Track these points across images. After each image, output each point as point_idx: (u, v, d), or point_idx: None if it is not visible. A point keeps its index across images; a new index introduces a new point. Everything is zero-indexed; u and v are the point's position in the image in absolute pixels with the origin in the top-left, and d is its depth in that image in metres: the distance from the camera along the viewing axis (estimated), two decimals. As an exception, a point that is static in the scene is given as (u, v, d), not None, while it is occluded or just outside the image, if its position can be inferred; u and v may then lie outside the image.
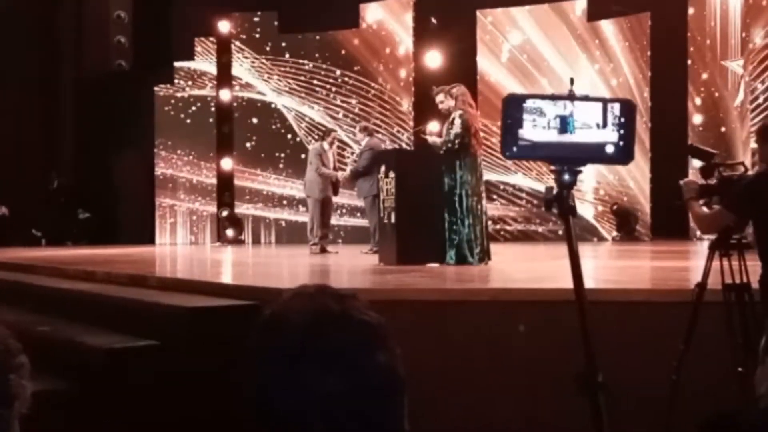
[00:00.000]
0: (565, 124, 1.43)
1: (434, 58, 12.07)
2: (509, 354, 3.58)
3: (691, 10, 11.12)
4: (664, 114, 11.26)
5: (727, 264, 3.03)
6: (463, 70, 11.46)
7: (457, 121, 5.95)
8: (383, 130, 12.04)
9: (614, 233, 11.56)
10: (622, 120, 1.45)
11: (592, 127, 1.45)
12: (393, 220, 6.12)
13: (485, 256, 6.04)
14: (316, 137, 11.44)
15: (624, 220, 11.47)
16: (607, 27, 11.81)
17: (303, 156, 11.45)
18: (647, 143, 11.46)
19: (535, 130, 1.42)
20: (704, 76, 11.09)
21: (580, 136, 1.44)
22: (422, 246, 6.00)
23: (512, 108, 1.43)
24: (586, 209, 11.54)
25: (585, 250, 9.53)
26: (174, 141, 13.71)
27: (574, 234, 1.49)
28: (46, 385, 3.17)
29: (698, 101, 11.12)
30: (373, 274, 5.61)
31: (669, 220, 10.79)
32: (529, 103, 1.43)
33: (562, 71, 12.06)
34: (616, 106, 1.46)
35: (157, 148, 13.68)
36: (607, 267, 6.26)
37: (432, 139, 6.38)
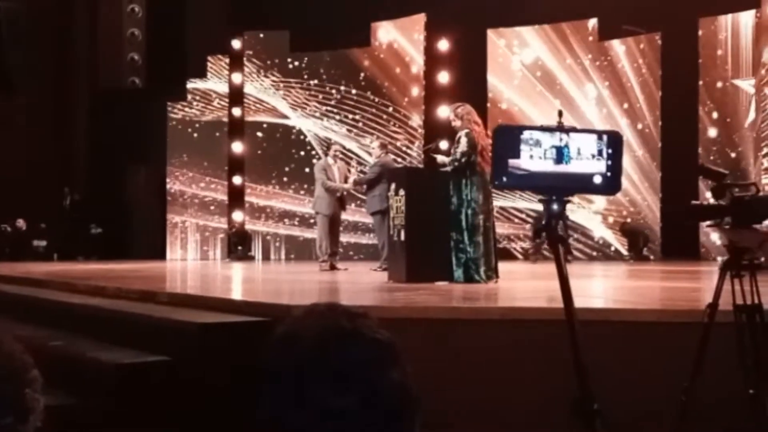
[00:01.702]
0: (560, 155, 1.48)
1: (445, 77, 12.15)
2: (518, 373, 3.57)
3: (701, 30, 11.15)
4: (675, 134, 11.25)
5: (738, 285, 3.01)
6: (474, 88, 11.52)
7: (463, 140, 5.98)
8: (393, 148, 12.10)
9: (626, 253, 11.52)
10: (610, 151, 1.50)
11: (586, 157, 1.49)
12: (402, 237, 6.13)
13: (493, 274, 6.03)
14: (326, 153, 11.52)
15: (633, 240, 11.42)
16: (619, 47, 11.84)
17: (307, 171, 11.51)
18: (658, 163, 11.44)
19: (532, 160, 1.46)
20: (715, 95, 11.09)
21: (574, 166, 1.49)
22: (431, 264, 6.00)
23: (502, 138, 1.47)
24: (600, 228, 11.51)
25: (596, 270, 9.48)
26: (186, 157, 13.81)
27: (563, 262, 1.53)
28: (57, 400, 3.18)
29: (709, 120, 11.10)
30: (382, 292, 5.61)
31: (680, 241, 10.74)
32: (527, 135, 1.47)
33: (573, 90, 12.10)
34: (605, 138, 1.51)
35: (169, 164, 13.78)
36: (617, 287, 6.24)
37: (441, 159, 6.40)
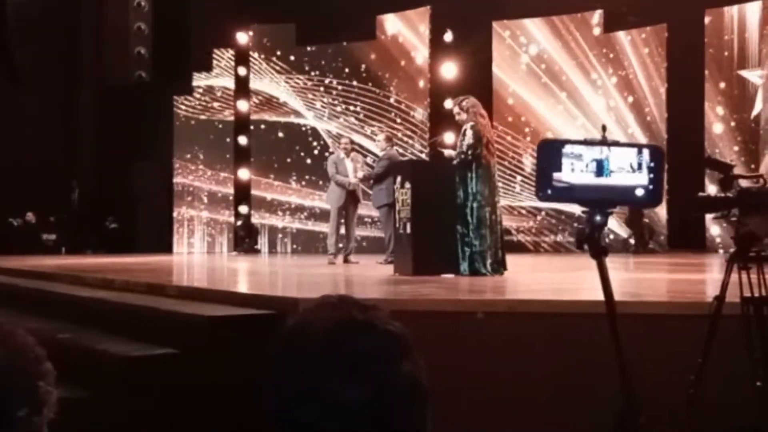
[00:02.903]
0: (601, 168, 1.52)
1: (450, 69, 12.11)
2: (525, 366, 3.58)
3: (707, 20, 11.08)
4: (681, 125, 11.20)
5: (745, 277, 3.00)
6: (480, 80, 11.48)
7: (469, 132, 5.97)
8: (398, 141, 12.08)
9: (631, 241, 11.50)
10: (652, 165, 1.54)
11: (626, 170, 1.53)
12: (408, 230, 6.14)
13: (500, 267, 6.02)
14: (337, 147, 11.54)
15: (637, 232, 11.40)
16: (624, 38, 11.78)
17: (315, 165, 11.51)
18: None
19: (573, 173, 1.51)
20: (721, 86, 11.02)
21: (614, 179, 1.53)
22: (438, 257, 6.01)
23: (546, 153, 1.51)
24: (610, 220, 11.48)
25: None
26: (192, 151, 13.84)
27: (608, 275, 1.57)
28: (65, 392, 3.20)
29: (716, 111, 11.05)
30: (389, 285, 5.62)
31: (686, 232, 10.71)
32: (568, 149, 1.51)
33: (579, 82, 12.05)
34: (646, 152, 1.55)
35: (176, 158, 13.81)
36: (624, 279, 6.22)
37: (448, 152, 6.39)
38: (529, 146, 12.16)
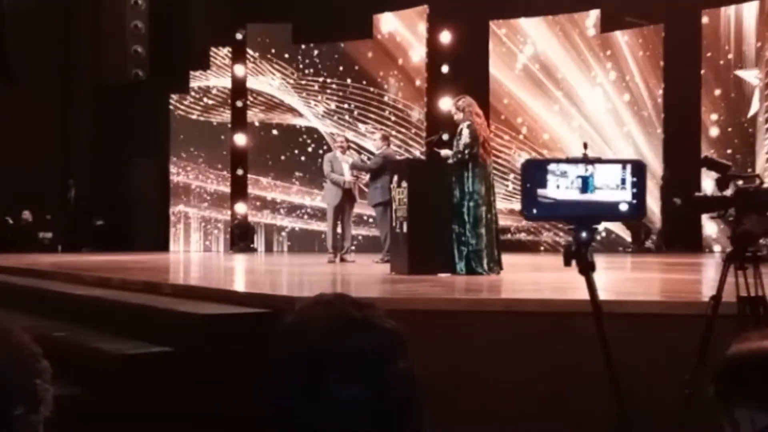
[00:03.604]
0: (586, 185, 1.56)
1: (447, 69, 12.11)
2: (521, 364, 3.58)
3: (704, 20, 11.10)
4: (678, 125, 11.22)
5: (742, 276, 3.00)
6: (475, 80, 11.48)
7: (465, 132, 5.97)
8: (395, 139, 12.08)
9: (628, 239, 11.53)
10: (634, 179, 1.58)
11: (610, 187, 1.57)
12: (405, 229, 6.13)
13: (496, 266, 6.03)
14: (333, 146, 11.56)
15: (634, 232, 11.42)
16: (621, 38, 11.80)
17: (311, 163, 11.49)
18: (661, 154, 11.41)
19: (559, 189, 1.55)
20: (718, 87, 11.05)
21: (598, 195, 1.57)
22: (434, 256, 6.01)
23: (532, 171, 1.55)
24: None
25: (599, 262, 9.47)
26: (188, 149, 13.82)
27: (596, 290, 1.59)
28: (60, 390, 3.20)
29: (712, 112, 11.07)
30: (385, 284, 5.61)
31: (682, 232, 10.73)
32: (553, 166, 1.55)
33: (576, 82, 12.06)
34: (629, 167, 1.59)
35: (172, 156, 13.79)
36: (620, 279, 6.24)
37: (445, 152, 6.39)
38: (524, 146, 12.17)
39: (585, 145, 1.71)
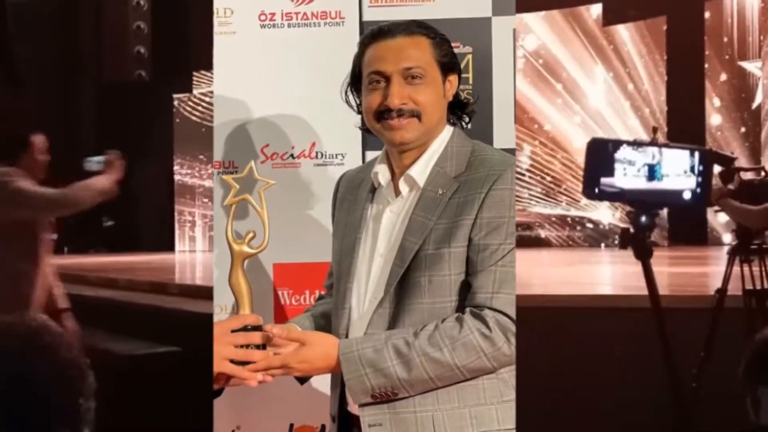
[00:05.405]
0: (653, 173, 1.53)
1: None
2: (525, 359, 3.58)
3: (707, 13, 11.06)
4: (682, 118, 11.18)
5: (747, 270, 3.00)
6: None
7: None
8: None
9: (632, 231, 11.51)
10: (701, 168, 1.56)
11: (677, 174, 1.55)
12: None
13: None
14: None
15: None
16: (623, 31, 11.77)
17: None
18: (665, 147, 11.37)
19: (626, 177, 1.52)
20: (722, 78, 11.01)
21: (665, 183, 1.54)
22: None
23: (597, 155, 1.52)
24: (607, 214, 11.49)
25: (602, 256, 9.46)
26: (192, 149, 13.84)
27: (653, 277, 1.57)
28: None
29: (716, 104, 11.04)
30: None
31: (687, 225, 10.70)
32: (620, 153, 1.52)
33: (577, 76, 12.04)
34: (697, 154, 1.57)
35: (176, 156, 13.82)
36: (625, 272, 6.23)
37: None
38: (525, 139, 12.15)
39: (654, 130, 1.68)
